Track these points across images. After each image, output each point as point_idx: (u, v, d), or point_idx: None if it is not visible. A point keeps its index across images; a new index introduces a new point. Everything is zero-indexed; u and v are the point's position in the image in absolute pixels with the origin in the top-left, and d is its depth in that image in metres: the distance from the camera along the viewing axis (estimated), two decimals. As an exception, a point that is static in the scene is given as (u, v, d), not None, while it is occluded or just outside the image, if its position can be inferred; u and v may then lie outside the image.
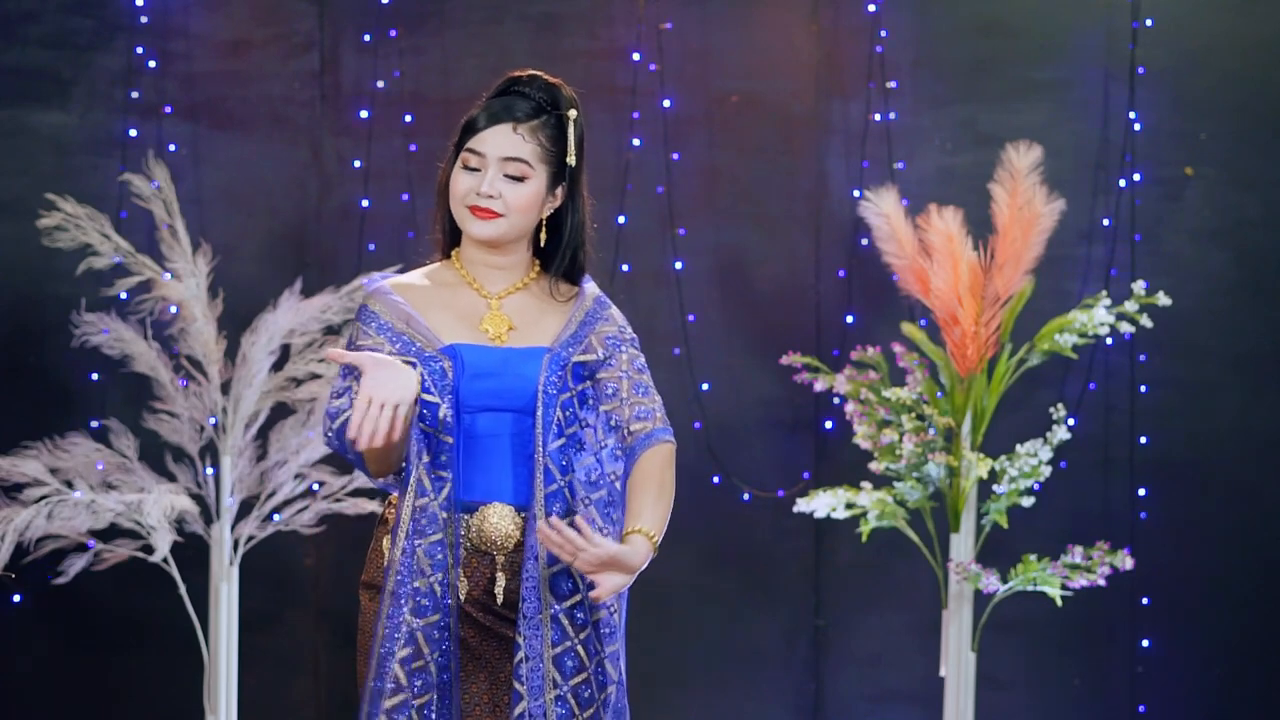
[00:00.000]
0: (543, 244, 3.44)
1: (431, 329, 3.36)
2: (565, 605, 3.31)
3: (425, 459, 3.30)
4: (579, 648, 3.32)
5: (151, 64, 6.41)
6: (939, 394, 5.70)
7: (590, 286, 3.48)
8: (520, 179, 3.38)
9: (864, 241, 6.20)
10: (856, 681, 6.41)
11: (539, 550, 3.29)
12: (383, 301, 3.39)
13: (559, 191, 3.42)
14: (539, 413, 3.32)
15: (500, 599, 3.34)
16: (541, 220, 3.42)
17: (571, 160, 3.40)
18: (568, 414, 3.34)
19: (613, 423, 3.37)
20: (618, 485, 3.36)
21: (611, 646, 3.34)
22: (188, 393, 5.78)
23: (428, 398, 3.30)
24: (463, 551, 3.34)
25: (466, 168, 3.38)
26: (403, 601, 3.34)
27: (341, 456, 3.38)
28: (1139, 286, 5.74)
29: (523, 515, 3.33)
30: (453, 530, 3.32)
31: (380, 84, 6.44)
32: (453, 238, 3.47)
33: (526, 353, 3.36)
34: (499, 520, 3.33)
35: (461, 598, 3.34)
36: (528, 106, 3.39)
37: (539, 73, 3.44)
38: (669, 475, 3.38)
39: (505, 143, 3.37)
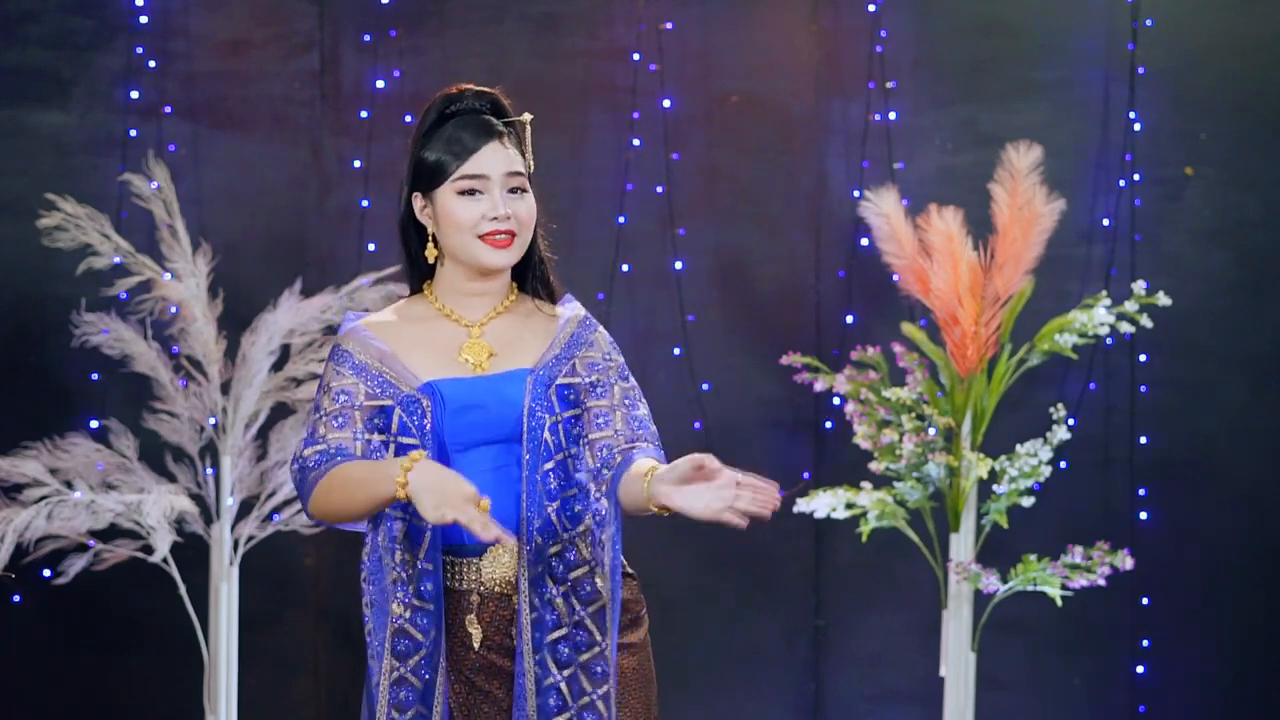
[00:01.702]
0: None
1: (408, 366, 3.23)
2: (549, 639, 3.20)
3: (394, 514, 3.19)
4: (562, 685, 3.19)
5: (151, 64, 6.41)
6: (939, 394, 5.70)
7: (572, 307, 3.36)
8: (523, 192, 3.28)
9: (864, 241, 6.20)
10: (856, 681, 6.41)
11: (522, 583, 3.19)
12: (356, 340, 3.26)
13: None
14: (525, 435, 3.20)
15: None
16: None
17: (531, 167, 3.30)
18: (555, 439, 3.21)
19: (604, 453, 3.23)
20: (604, 513, 3.24)
21: (603, 687, 3.22)
22: (188, 393, 5.78)
23: (407, 440, 3.20)
24: (476, 598, 3.23)
25: (465, 194, 3.25)
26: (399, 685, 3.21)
27: (297, 491, 3.26)
28: (1139, 286, 5.74)
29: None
30: (451, 576, 3.21)
31: (380, 84, 6.44)
32: (421, 273, 3.35)
33: (509, 376, 3.24)
34: (510, 560, 3.22)
35: (476, 646, 3.23)
36: (493, 123, 3.28)
37: (469, 86, 3.32)
38: None
39: (502, 158, 3.26)
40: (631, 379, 3.34)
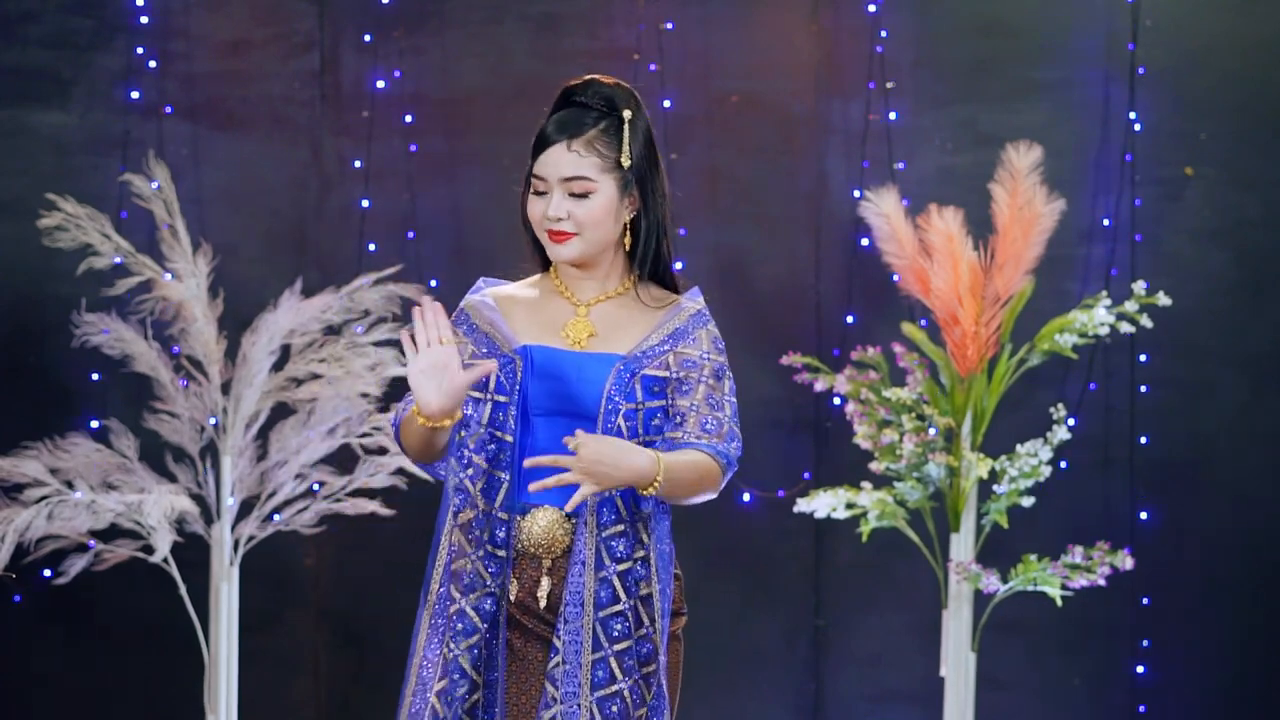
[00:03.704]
0: (627, 248, 3.43)
1: (512, 331, 3.38)
2: (601, 614, 3.30)
3: (480, 465, 3.33)
4: (611, 659, 3.30)
5: (151, 64, 6.41)
6: (939, 394, 5.69)
7: (692, 301, 3.45)
8: (585, 195, 3.36)
9: (864, 241, 6.20)
10: (856, 681, 6.41)
11: (586, 556, 3.29)
12: (475, 305, 3.43)
13: (635, 194, 3.39)
14: (600, 418, 3.30)
15: (544, 604, 3.34)
16: (626, 225, 3.41)
17: (626, 162, 3.36)
18: (630, 425, 3.31)
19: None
20: (663, 505, 3.36)
21: (649, 667, 3.33)
22: (188, 393, 5.78)
23: (500, 398, 3.33)
24: (514, 553, 3.35)
25: (536, 193, 3.38)
26: (441, 628, 3.34)
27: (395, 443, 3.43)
28: (1139, 286, 5.74)
29: (572, 521, 3.32)
30: (506, 533, 3.33)
31: (380, 84, 6.44)
32: (541, 252, 3.47)
33: (599, 358, 3.35)
34: (548, 524, 3.32)
35: (512, 598, 3.34)
36: (582, 118, 3.37)
37: (596, 76, 3.40)
38: (698, 472, 3.28)
39: (562, 162, 3.34)
40: (725, 378, 3.41)
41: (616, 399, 3.31)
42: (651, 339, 3.38)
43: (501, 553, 3.33)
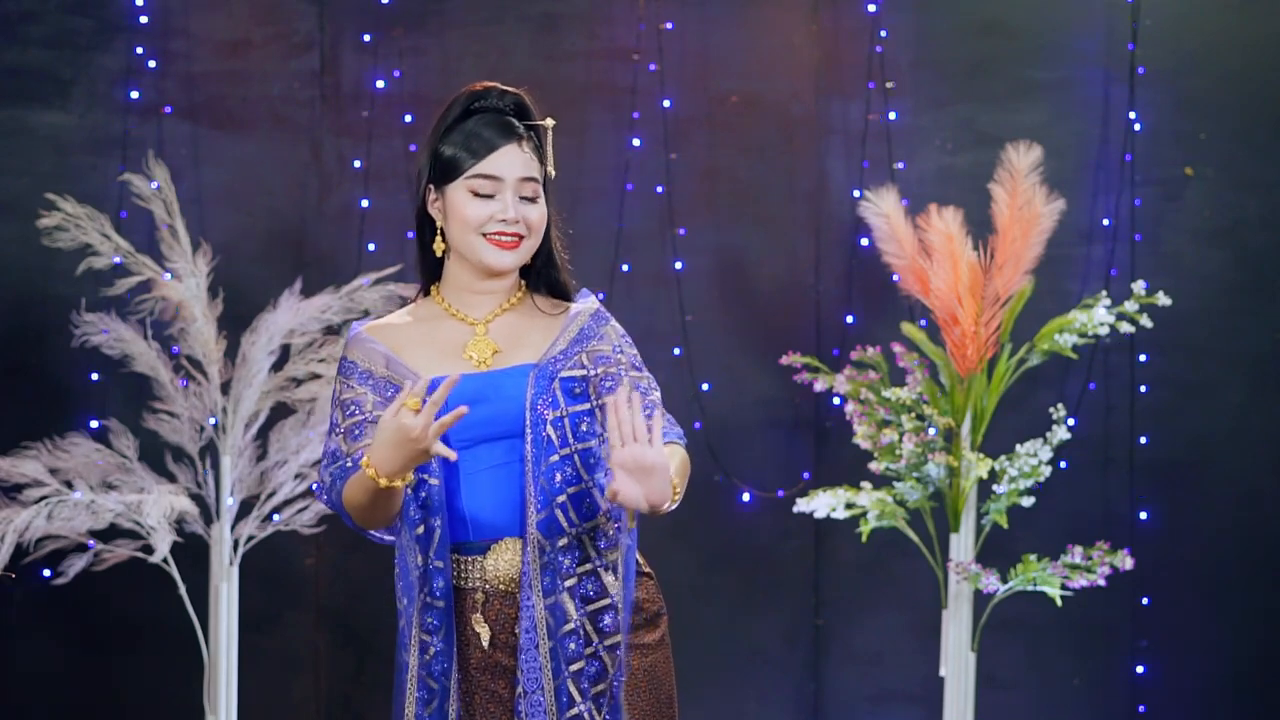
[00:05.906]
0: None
1: (411, 367, 3.22)
2: (560, 634, 3.18)
3: (413, 514, 3.18)
4: (569, 682, 3.17)
5: (151, 64, 6.41)
6: (939, 394, 5.70)
7: (587, 302, 3.34)
8: (534, 198, 3.27)
9: (864, 241, 6.20)
10: (856, 681, 6.41)
11: (532, 579, 3.16)
12: (360, 349, 3.27)
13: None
14: (528, 431, 3.17)
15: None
16: None
17: (552, 171, 3.30)
18: (559, 433, 3.18)
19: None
20: (617, 511, 3.22)
21: (598, 687, 3.19)
22: (188, 393, 5.78)
23: None
24: (481, 595, 3.21)
25: (478, 195, 3.26)
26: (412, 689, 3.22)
27: (335, 513, 3.27)
28: (1139, 286, 5.74)
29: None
30: (445, 582, 3.18)
31: (380, 84, 6.44)
32: (432, 267, 3.35)
33: (512, 372, 3.22)
34: (512, 557, 3.20)
35: (485, 645, 3.21)
36: (516, 122, 3.28)
37: (495, 85, 3.32)
38: (683, 464, 3.21)
39: (519, 163, 3.26)
40: (643, 368, 3.31)
41: (541, 408, 3.18)
42: (559, 343, 3.25)
43: (441, 603, 3.17)
